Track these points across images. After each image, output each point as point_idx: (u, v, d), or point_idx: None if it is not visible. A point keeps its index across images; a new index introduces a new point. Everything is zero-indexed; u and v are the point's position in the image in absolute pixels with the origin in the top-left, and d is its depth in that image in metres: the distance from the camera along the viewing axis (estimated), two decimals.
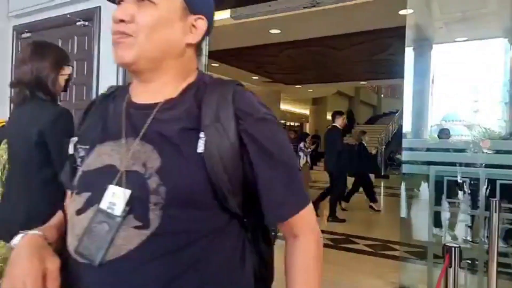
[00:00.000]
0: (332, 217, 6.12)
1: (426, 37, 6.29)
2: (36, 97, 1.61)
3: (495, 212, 2.26)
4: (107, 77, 5.16)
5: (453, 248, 1.71)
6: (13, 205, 1.60)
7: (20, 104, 1.64)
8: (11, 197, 1.62)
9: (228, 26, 6.19)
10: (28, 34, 5.86)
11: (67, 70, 1.72)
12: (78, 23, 5.25)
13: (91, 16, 5.18)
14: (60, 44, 5.52)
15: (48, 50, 1.68)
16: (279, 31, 6.98)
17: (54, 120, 1.55)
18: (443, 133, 5.32)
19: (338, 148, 6.05)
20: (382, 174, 12.96)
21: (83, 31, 5.37)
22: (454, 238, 3.68)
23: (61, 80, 1.69)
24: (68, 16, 5.16)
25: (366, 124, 20.01)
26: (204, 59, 4.97)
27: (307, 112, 21.22)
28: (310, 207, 0.85)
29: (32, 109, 1.60)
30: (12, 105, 2.09)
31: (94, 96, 5.28)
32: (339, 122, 6.11)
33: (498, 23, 5.44)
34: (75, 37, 5.42)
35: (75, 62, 5.40)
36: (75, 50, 5.44)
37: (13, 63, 6.03)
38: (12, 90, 1.67)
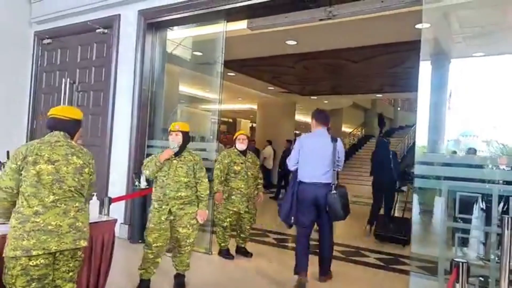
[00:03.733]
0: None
1: (443, 51, 6.21)
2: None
3: (507, 229, 2.20)
4: (124, 84, 5.23)
5: (460, 264, 1.69)
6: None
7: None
8: None
9: (245, 36, 6.25)
10: (49, 40, 5.99)
11: None
12: (97, 30, 5.36)
13: (111, 23, 5.29)
14: (79, 51, 5.67)
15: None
16: (295, 42, 7.00)
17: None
18: (470, 151, 5.20)
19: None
20: (397, 187, 12.78)
21: (102, 38, 5.48)
22: (467, 254, 3.59)
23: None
24: (88, 23, 5.27)
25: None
26: (220, 67, 5.02)
27: None
28: None
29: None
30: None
31: (110, 101, 5.38)
32: None
33: None
34: (94, 44, 5.54)
35: (93, 68, 5.54)
36: (94, 57, 5.54)
37: (33, 68, 6.18)
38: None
